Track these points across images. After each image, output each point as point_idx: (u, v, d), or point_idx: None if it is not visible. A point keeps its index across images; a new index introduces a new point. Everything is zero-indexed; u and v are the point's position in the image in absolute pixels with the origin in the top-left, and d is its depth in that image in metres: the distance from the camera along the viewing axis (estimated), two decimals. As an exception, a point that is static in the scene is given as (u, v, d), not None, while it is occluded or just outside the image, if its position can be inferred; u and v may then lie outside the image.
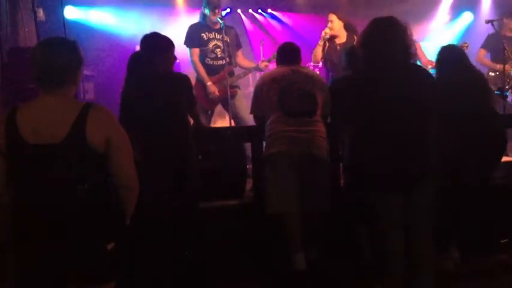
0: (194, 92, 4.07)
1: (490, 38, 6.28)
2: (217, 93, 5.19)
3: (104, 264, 2.16)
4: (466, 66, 3.87)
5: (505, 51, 5.72)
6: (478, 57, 6.34)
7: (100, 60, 6.30)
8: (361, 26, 5.81)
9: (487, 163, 3.82)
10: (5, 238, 2.18)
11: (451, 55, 3.90)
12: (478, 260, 3.82)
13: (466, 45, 5.54)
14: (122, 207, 2.26)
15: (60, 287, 2.15)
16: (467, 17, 7.86)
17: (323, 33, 5.34)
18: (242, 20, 7.83)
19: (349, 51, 4.20)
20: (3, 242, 2.21)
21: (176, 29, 6.01)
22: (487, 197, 3.86)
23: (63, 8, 6.25)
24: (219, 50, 5.24)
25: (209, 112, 5.38)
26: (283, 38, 7.34)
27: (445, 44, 4.09)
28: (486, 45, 6.32)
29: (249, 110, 4.04)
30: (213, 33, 5.25)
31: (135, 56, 3.81)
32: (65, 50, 2.18)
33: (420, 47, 6.01)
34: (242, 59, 5.52)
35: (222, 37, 5.18)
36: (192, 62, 5.25)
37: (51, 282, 2.12)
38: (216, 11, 5.20)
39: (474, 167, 3.71)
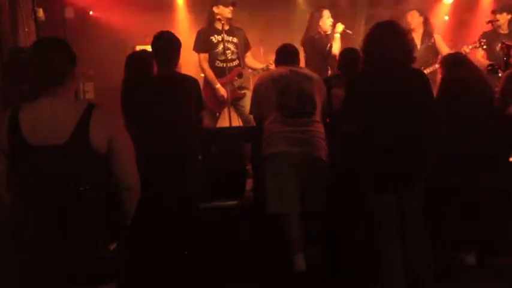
0: (203, 94, 4.06)
1: (484, 36, 6.24)
2: (225, 95, 5.16)
3: (105, 265, 2.16)
4: (471, 69, 3.89)
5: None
6: (475, 57, 6.31)
7: (100, 60, 6.30)
8: (361, 26, 5.88)
9: (494, 164, 3.82)
10: (6, 239, 2.18)
11: (455, 60, 3.92)
12: (479, 261, 3.81)
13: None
14: (123, 208, 2.26)
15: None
16: (466, 17, 7.85)
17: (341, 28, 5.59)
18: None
19: (348, 52, 4.23)
20: (4, 243, 2.21)
21: (176, 29, 6.01)
22: (493, 198, 3.85)
23: (63, 8, 6.26)
24: (229, 52, 5.23)
25: (217, 114, 5.38)
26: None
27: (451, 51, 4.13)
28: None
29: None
30: (222, 35, 5.20)
31: (141, 56, 3.82)
32: (56, 49, 2.18)
33: (440, 39, 6.06)
34: (251, 60, 5.51)
35: (232, 39, 5.17)
36: (201, 66, 5.25)
37: (52, 283, 2.11)
38: (231, 8, 5.16)
39: (480, 168, 3.72)
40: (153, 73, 3.80)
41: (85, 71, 5.91)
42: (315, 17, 5.71)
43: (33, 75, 2.17)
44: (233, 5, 5.19)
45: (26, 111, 2.12)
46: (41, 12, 4.89)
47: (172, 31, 3.80)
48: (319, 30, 5.69)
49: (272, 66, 5.27)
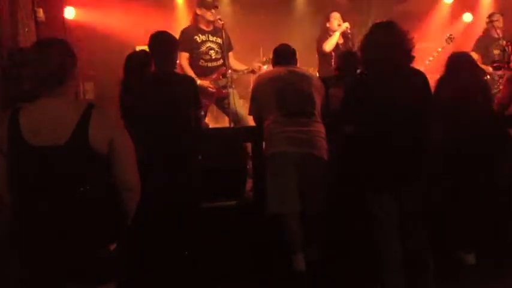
0: None
1: (479, 40, 6.23)
2: (211, 87, 5.19)
3: (105, 265, 2.16)
4: (468, 70, 3.89)
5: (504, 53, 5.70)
6: None
7: (100, 60, 6.30)
8: (361, 25, 5.90)
9: (490, 164, 3.82)
10: (6, 239, 2.18)
11: (456, 60, 3.91)
12: (479, 261, 3.81)
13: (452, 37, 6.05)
14: (123, 208, 2.26)
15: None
16: (466, 17, 7.86)
17: (344, 27, 5.74)
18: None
19: (344, 52, 4.25)
20: (4, 243, 2.21)
21: (176, 29, 6.01)
22: (490, 198, 3.86)
23: (63, 8, 6.26)
24: (212, 51, 5.28)
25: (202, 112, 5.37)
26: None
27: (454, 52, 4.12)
28: (477, 49, 6.18)
29: (246, 110, 4.04)
30: (207, 35, 5.28)
31: (139, 56, 3.82)
32: (57, 49, 2.18)
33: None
34: (233, 61, 5.50)
35: (216, 39, 5.23)
36: (181, 64, 5.24)
37: (52, 283, 2.12)
38: (213, 11, 5.21)
39: (477, 168, 3.72)
40: (151, 73, 3.80)
41: (85, 71, 5.91)
42: (325, 20, 6.02)
43: (33, 75, 2.17)
44: (214, 8, 5.24)
45: (26, 112, 2.12)
46: (41, 12, 4.90)
47: (173, 31, 3.80)
48: (329, 31, 5.91)
49: (256, 65, 5.31)
